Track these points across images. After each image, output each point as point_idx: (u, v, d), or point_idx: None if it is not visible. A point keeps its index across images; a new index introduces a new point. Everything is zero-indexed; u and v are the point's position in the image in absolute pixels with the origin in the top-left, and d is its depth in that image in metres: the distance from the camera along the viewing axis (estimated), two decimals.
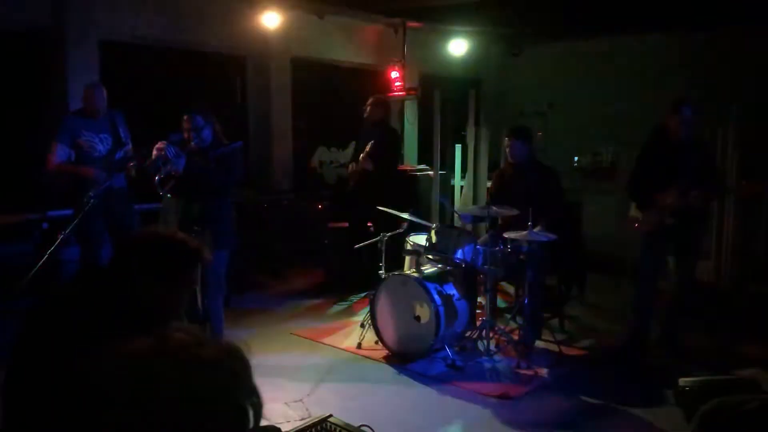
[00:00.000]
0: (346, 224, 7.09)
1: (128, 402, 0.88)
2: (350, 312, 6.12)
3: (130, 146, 5.32)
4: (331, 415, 2.28)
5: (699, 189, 4.57)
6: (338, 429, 2.20)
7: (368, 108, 6.73)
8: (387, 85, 8.74)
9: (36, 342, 1.71)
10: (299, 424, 2.34)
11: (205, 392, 0.91)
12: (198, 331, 0.99)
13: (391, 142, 6.90)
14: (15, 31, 6.05)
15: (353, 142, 7.48)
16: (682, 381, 3.76)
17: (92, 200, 4.33)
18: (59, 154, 5.08)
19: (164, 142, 4.17)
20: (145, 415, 0.87)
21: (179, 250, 1.83)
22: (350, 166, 6.89)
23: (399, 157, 8.00)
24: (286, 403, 4.00)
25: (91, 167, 5.08)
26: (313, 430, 2.18)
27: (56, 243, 4.07)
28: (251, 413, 0.95)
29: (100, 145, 5.20)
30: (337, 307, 6.28)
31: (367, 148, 6.48)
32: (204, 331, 1.01)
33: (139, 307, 1.73)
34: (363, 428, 2.26)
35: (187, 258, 1.84)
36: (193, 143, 4.27)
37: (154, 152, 4.17)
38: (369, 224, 6.63)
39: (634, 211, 4.93)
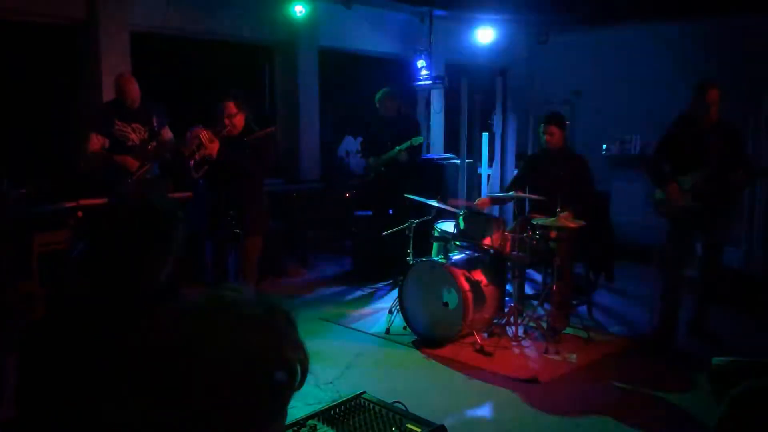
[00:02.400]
0: (371, 212, 7.13)
1: (188, 357, 0.91)
2: (378, 298, 6.18)
3: (163, 136, 5.40)
4: (365, 392, 2.34)
5: (731, 172, 4.55)
6: (372, 405, 2.25)
7: (384, 105, 6.69)
8: (414, 74, 8.74)
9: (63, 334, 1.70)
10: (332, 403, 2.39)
11: (258, 346, 0.93)
12: (245, 290, 1.02)
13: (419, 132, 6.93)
14: (49, 24, 6.18)
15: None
16: (716, 360, 3.75)
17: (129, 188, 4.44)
18: (93, 143, 5.19)
19: (199, 127, 4.25)
20: (204, 369, 0.90)
21: (157, 216, 1.85)
22: (370, 159, 6.87)
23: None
24: (317, 386, 4.08)
25: (124, 156, 5.19)
26: (348, 405, 2.23)
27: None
28: (299, 370, 0.98)
29: (134, 134, 5.30)
30: (365, 294, 6.35)
31: (414, 143, 6.47)
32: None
33: (136, 277, 1.77)
34: (395, 404, 2.30)
35: (168, 222, 1.86)
36: (225, 130, 4.34)
37: (189, 137, 4.24)
38: (390, 211, 6.67)
39: (658, 194, 4.90)
